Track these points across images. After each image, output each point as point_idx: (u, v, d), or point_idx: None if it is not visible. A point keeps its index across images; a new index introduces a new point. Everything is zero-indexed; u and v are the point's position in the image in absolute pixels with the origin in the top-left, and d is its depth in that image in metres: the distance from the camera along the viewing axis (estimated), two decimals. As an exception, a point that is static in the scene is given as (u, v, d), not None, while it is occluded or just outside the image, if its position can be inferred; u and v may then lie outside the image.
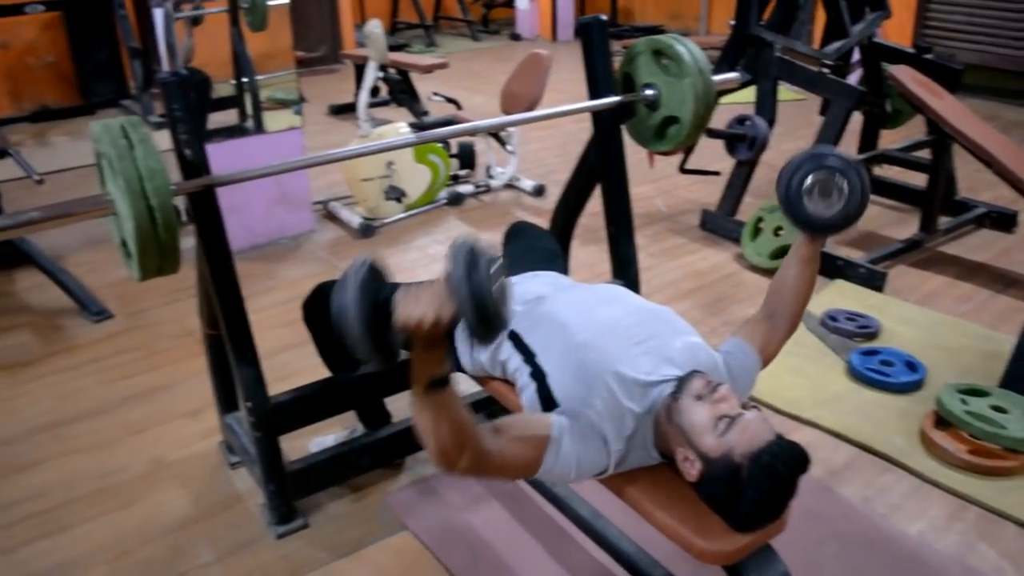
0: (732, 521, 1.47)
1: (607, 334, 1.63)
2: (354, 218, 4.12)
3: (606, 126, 2.42)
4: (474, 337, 1.35)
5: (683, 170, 4.15)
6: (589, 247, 3.66)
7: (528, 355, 1.69)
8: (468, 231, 1.29)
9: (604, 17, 2.41)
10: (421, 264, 3.73)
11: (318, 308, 2.14)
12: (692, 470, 1.49)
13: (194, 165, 1.84)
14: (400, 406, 2.45)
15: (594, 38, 2.38)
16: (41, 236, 3.76)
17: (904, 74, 3.58)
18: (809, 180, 1.70)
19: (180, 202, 1.88)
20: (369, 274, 1.33)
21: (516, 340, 1.72)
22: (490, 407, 2.36)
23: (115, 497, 2.30)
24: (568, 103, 2.40)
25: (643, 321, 1.68)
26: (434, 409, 1.37)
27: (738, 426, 1.44)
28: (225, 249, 1.91)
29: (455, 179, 4.70)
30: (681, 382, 1.53)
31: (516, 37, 10.06)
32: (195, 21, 4.08)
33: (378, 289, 1.33)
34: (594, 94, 2.40)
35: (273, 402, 2.05)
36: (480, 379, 1.92)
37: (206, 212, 1.88)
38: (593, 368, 1.58)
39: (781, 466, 1.40)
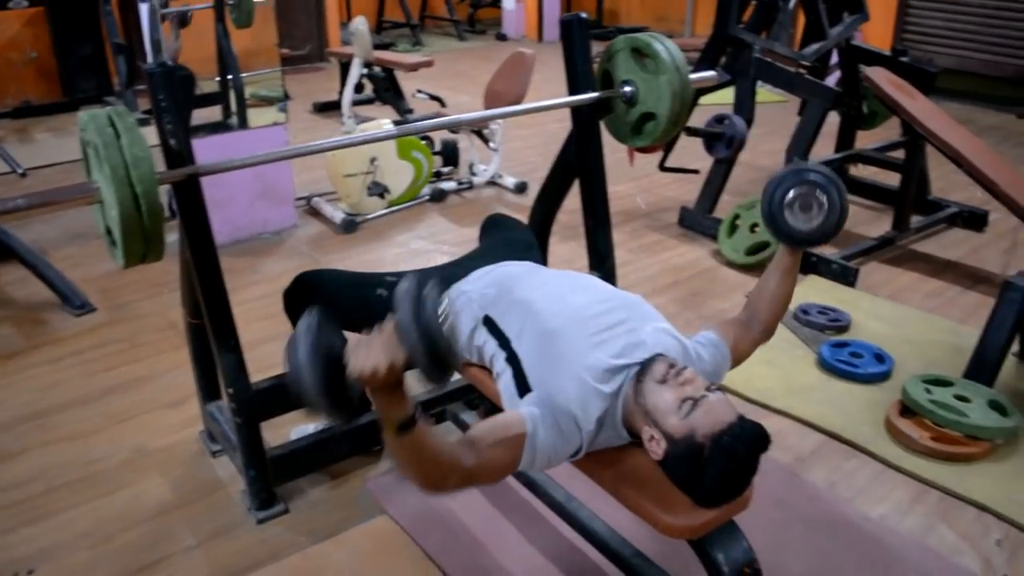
0: (696, 498, 1.52)
1: (578, 320, 1.68)
2: (337, 214, 4.16)
3: (584, 121, 2.48)
4: (428, 379, 1.32)
5: (663, 168, 4.22)
6: (569, 243, 3.72)
7: (503, 340, 1.74)
8: (411, 275, 1.31)
9: (585, 15, 2.46)
10: (403, 260, 3.78)
11: (298, 297, 2.18)
12: (658, 449, 1.54)
13: (179, 155, 1.88)
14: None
15: (574, 35, 2.44)
16: (25, 230, 3.79)
17: (879, 76, 3.66)
18: (790, 194, 1.77)
19: (165, 198, 1.93)
20: (320, 330, 1.30)
21: (491, 325, 1.77)
22: (469, 395, 2.42)
23: (97, 485, 2.33)
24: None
25: (613, 308, 1.73)
26: (409, 449, 1.38)
27: (701, 407, 1.49)
28: (208, 238, 1.94)
29: (438, 176, 4.75)
30: (645, 364, 1.59)
31: (502, 37, 10.12)
32: (183, 22, 4.11)
33: (330, 344, 1.30)
34: (573, 90, 2.46)
35: (254, 389, 2.09)
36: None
37: (190, 201, 1.92)
38: (564, 353, 1.63)
39: (741, 446, 1.45)
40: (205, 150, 3.19)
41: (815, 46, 3.95)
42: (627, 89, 2.40)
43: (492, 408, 2.05)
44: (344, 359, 1.27)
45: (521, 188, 4.64)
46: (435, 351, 1.27)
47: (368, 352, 1.26)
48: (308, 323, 1.30)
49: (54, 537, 2.14)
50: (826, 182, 1.76)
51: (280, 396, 2.22)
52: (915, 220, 4.01)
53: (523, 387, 1.67)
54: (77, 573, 2.02)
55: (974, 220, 4.18)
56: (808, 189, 1.76)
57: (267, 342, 2.94)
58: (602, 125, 2.51)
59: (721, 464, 1.46)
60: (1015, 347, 2.89)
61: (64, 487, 2.32)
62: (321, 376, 1.26)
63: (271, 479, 2.18)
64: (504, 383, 1.72)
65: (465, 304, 1.86)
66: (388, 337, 1.27)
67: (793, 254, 1.85)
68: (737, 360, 1.83)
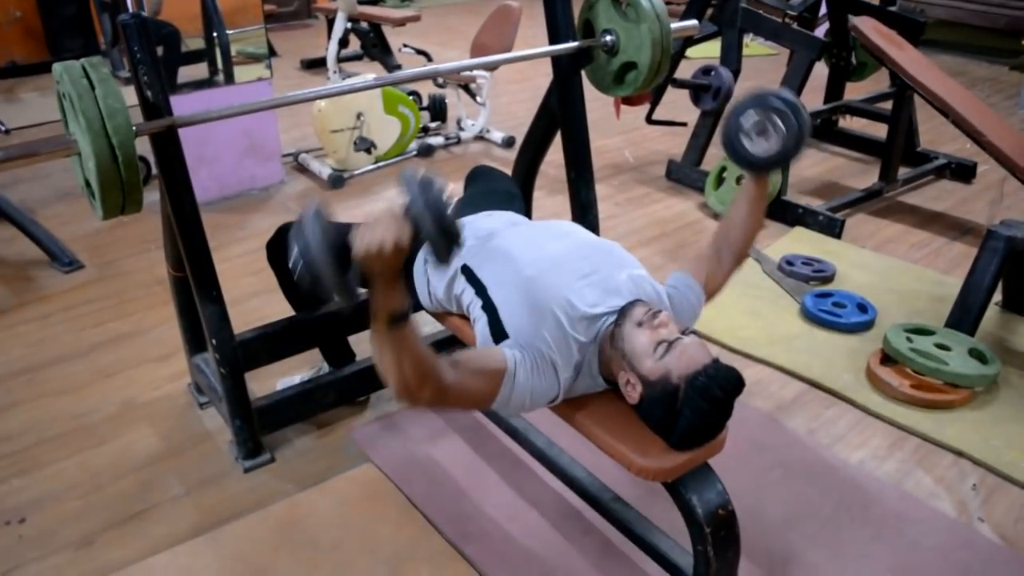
0: (670, 440, 1.55)
1: (555, 267, 1.70)
2: (324, 169, 4.15)
3: (565, 72, 2.47)
4: (435, 255, 1.39)
5: (650, 121, 4.21)
6: (556, 196, 3.72)
7: (480, 288, 1.75)
8: (417, 168, 1.34)
9: (563, -36, 2.44)
10: (391, 215, 3.77)
11: (281, 249, 2.20)
12: (633, 393, 1.56)
13: (156, 107, 1.88)
14: (364, 348, 2.51)
15: (554, -15, 2.42)
16: (12, 190, 3.79)
17: (866, 25, 3.63)
18: (746, 121, 1.77)
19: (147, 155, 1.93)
20: (325, 214, 1.36)
21: (469, 274, 1.79)
22: (451, 347, 2.44)
23: (87, 437, 2.36)
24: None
25: (590, 255, 1.75)
26: (395, 345, 1.40)
27: (676, 350, 1.51)
28: (188, 189, 1.94)
29: (425, 131, 4.73)
30: (623, 310, 1.60)
31: (492, -8, 9.99)
32: None
33: (334, 228, 1.35)
34: (554, 40, 2.44)
35: (238, 339, 2.11)
36: (439, 316, 1.98)
37: (168, 153, 1.91)
38: (541, 300, 1.64)
39: (716, 387, 1.47)
40: (190, 106, 3.18)
41: (804, -4, 3.92)
42: (608, 38, 2.38)
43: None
44: (348, 241, 1.32)
45: (509, 143, 4.62)
46: (442, 223, 1.33)
47: (374, 230, 1.30)
48: (315, 207, 1.36)
49: (45, 487, 2.17)
50: (781, 105, 1.73)
51: (264, 346, 2.25)
52: (903, 172, 4.01)
53: (499, 334, 1.68)
54: (68, 521, 2.05)
55: (962, 172, 4.18)
56: (763, 114, 1.75)
57: (254, 296, 2.96)
58: (585, 76, 2.50)
59: (695, 405, 1.48)
60: (998, 296, 2.92)
61: (54, 439, 2.35)
62: (330, 251, 1.31)
63: (257, 429, 2.21)
64: (479, 329, 1.74)
65: (445, 254, 1.87)
66: (395, 216, 1.33)
67: (758, 182, 1.84)
68: (711, 293, 1.85)
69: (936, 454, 2.28)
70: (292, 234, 1.35)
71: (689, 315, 1.78)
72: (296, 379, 2.44)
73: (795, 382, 2.58)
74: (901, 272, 3.23)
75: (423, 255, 1.93)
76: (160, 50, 3.78)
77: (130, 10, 4.04)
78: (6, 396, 2.54)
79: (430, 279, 1.90)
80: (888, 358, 2.56)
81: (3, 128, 4.40)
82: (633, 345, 1.55)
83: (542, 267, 1.70)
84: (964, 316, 2.68)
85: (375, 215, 1.34)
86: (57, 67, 1.73)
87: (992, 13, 6.50)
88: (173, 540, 1.99)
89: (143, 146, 1.81)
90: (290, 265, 1.35)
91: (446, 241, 1.36)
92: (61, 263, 3.33)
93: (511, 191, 2.33)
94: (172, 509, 2.09)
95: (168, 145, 1.90)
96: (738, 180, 3.70)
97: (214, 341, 2.05)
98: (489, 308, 1.72)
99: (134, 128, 1.72)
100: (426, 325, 2.71)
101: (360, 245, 1.30)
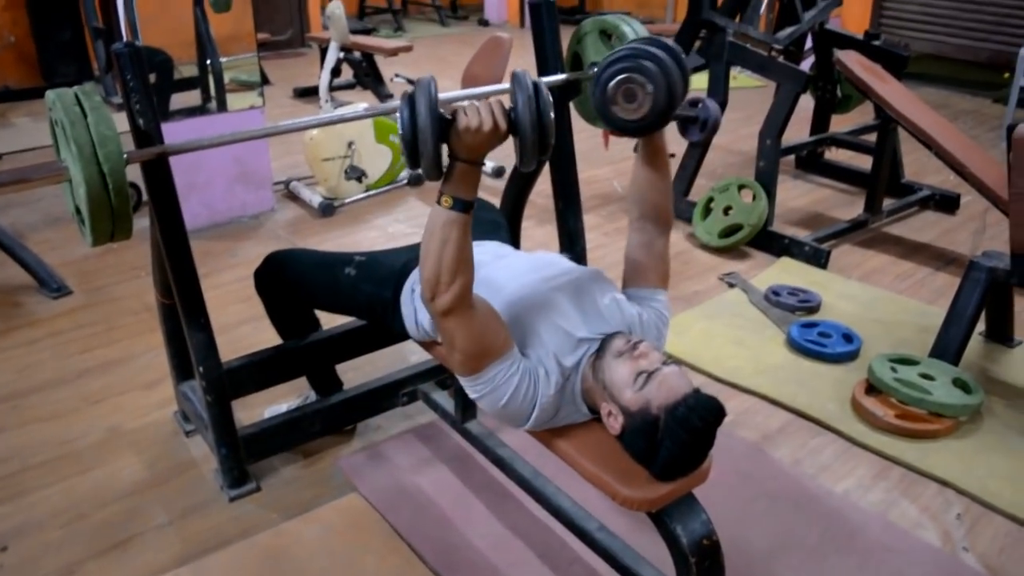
0: (654, 471, 1.55)
1: (539, 295, 1.71)
2: (315, 197, 4.17)
3: (553, 103, 2.49)
4: (523, 155, 1.49)
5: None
6: (545, 226, 3.74)
7: (467, 317, 1.77)
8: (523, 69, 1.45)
9: (553, -1, 2.48)
10: (380, 243, 3.79)
11: (269, 276, 2.21)
12: (615, 424, 1.57)
13: (147, 134, 1.89)
14: (352, 377, 2.52)
15: (543, 18, 2.45)
16: (3, 214, 3.80)
17: (851, 59, 3.69)
18: (610, 88, 1.65)
19: (139, 181, 1.94)
20: (436, 88, 1.44)
21: (456, 302, 1.80)
22: (438, 375, 2.45)
23: (71, 464, 2.35)
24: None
25: (573, 281, 1.77)
26: (450, 228, 1.48)
27: (655, 380, 1.52)
28: (177, 216, 1.95)
29: (417, 160, 4.75)
30: (604, 342, 1.62)
31: (484, 23, 10.11)
32: None
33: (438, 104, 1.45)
34: (542, 71, 2.47)
35: (225, 367, 2.11)
36: (426, 345, 1.99)
37: (159, 180, 1.93)
38: (525, 326, 1.66)
39: (696, 418, 1.47)
40: (182, 133, 3.20)
41: (788, 30, 3.99)
42: (595, 71, 2.41)
43: (463, 388, 2.08)
44: (448, 116, 1.45)
45: (499, 172, 4.65)
46: (543, 125, 1.46)
47: (482, 110, 1.44)
48: (429, 79, 1.45)
49: (28, 515, 2.15)
50: (641, 64, 1.62)
51: (251, 374, 2.26)
52: (888, 203, 4.05)
53: None
54: (50, 549, 2.04)
55: (946, 203, 4.23)
56: (626, 77, 1.63)
57: (243, 324, 2.96)
58: (573, 108, 2.53)
59: (676, 436, 1.48)
60: (982, 326, 2.95)
61: (38, 466, 2.34)
62: (435, 121, 1.42)
63: (243, 457, 2.21)
64: None
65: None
66: (499, 106, 1.46)
67: (650, 140, 1.77)
68: (665, 276, 1.84)
69: (920, 484, 2.29)
70: (403, 101, 1.45)
71: (663, 329, 1.79)
72: (283, 408, 2.44)
73: (781, 412, 2.59)
74: (886, 302, 3.26)
75: (410, 284, 1.94)
76: (153, 77, 3.82)
77: (124, 38, 4.07)
78: (-9, 422, 2.54)
79: (416, 307, 1.91)
80: (873, 388, 2.58)
81: (-5, 153, 4.41)
82: (613, 376, 1.56)
83: (527, 294, 1.72)
84: (948, 346, 2.71)
85: (478, 102, 1.45)
86: (50, 94, 1.74)
87: (975, 47, 6.62)
88: (156, 569, 1.97)
89: (134, 172, 1.82)
90: (399, 133, 1.45)
91: (539, 143, 1.47)
92: (50, 288, 3.33)
93: (496, 220, 2.35)
94: (156, 538, 2.08)
95: (158, 172, 1.92)
96: (726, 211, 3.73)
97: (201, 369, 2.05)
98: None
99: (125, 156, 1.73)
100: (413, 354, 2.73)
101: (463, 118, 1.43)
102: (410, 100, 1.44)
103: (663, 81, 1.62)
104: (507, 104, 1.50)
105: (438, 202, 1.50)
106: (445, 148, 1.49)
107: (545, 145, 1.49)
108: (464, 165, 1.48)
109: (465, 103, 1.46)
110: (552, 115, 1.47)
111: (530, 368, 1.61)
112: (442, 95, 1.48)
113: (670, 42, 1.70)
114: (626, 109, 1.66)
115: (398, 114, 1.46)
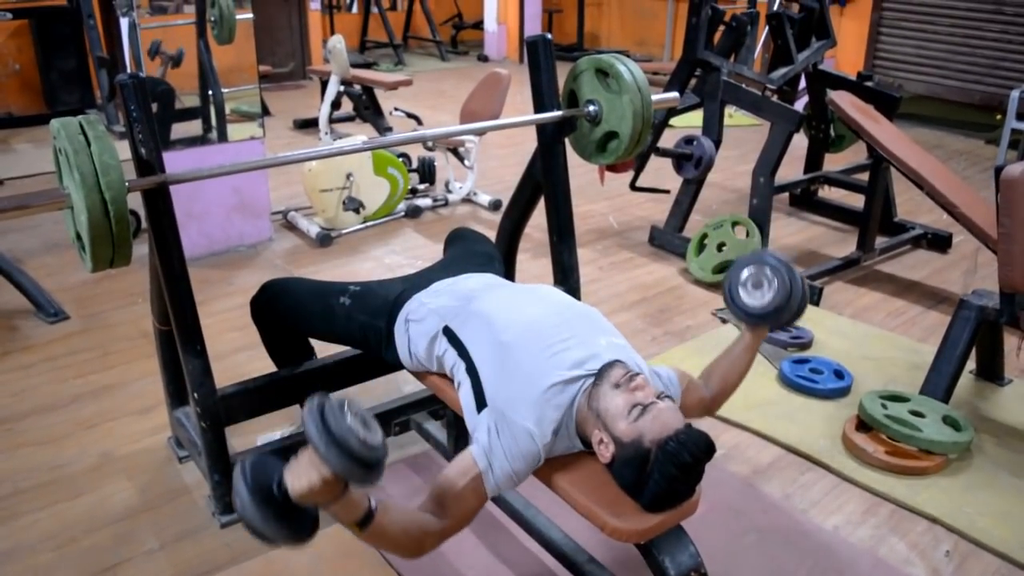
0: (642, 502, 1.56)
1: (532, 331, 1.73)
2: (312, 228, 4.20)
3: (549, 139, 2.54)
4: (360, 483, 1.34)
5: (634, 188, 4.30)
6: (540, 259, 3.78)
7: (463, 351, 1.79)
8: (313, 397, 1.36)
9: (549, 36, 2.53)
10: (376, 273, 3.82)
11: (265, 305, 2.23)
12: (606, 452, 1.59)
13: (148, 164, 1.93)
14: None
15: (540, 55, 2.50)
16: (1, 239, 3.82)
17: (843, 99, 3.75)
18: (744, 274, 1.89)
19: (138, 208, 1.97)
20: (253, 470, 1.34)
21: (451, 335, 1.82)
22: (431, 405, 2.46)
23: (63, 489, 2.35)
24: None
25: (568, 319, 1.78)
26: (376, 538, 1.48)
27: (649, 414, 1.54)
28: (176, 244, 1.98)
29: (414, 192, 4.81)
30: (601, 370, 1.64)
31: (484, 58, 10.24)
32: (175, 62, 4.10)
33: (268, 477, 1.34)
34: (539, 108, 2.52)
35: (220, 394, 2.12)
36: (419, 375, 2.01)
37: (159, 209, 1.95)
38: (519, 366, 1.67)
39: (686, 453, 1.49)
40: (183, 162, 3.24)
41: (782, 70, 4.06)
42: (591, 108, 2.46)
43: (455, 417, 2.09)
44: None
45: (496, 206, 4.70)
46: (351, 454, 1.28)
47: (298, 474, 1.31)
48: (241, 468, 1.34)
49: (19, 538, 2.16)
50: (776, 263, 1.86)
51: (245, 401, 2.27)
52: (880, 241, 4.09)
53: (481, 399, 1.71)
54: (40, 573, 2.04)
55: (938, 242, 4.28)
56: (759, 269, 1.88)
57: (238, 352, 2.98)
58: (569, 144, 2.57)
59: (666, 469, 1.50)
60: (972, 364, 2.97)
61: (30, 490, 2.34)
62: (269, 512, 1.31)
63: (235, 484, 2.21)
64: (464, 393, 1.76)
65: (426, 314, 1.91)
66: (311, 455, 1.30)
67: (752, 332, 1.93)
68: (686, 408, 1.84)
69: (910, 520, 2.30)
70: (234, 494, 1.34)
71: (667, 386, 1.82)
72: (276, 435, 2.45)
73: (771, 447, 2.61)
74: (877, 340, 3.29)
75: (404, 314, 1.96)
76: (154, 107, 3.86)
77: (128, 69, 4.12)
78: (-16, 446, 2.54)
79: (411, 337, 1.93)
80: (863, 424, 2.60)
81: (-4, 179, 4.44)
82: (608, 406, 1.58)
83: (519, 331, 1.73)
84: (938, 384, 2.73)
85: (295, 461, 1.33)
86: (55, 123, 1.78)
87: (968, 89, 6.71)
88: (146, 595, 1.98)
89: (133, 200, 1.85)
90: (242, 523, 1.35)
91: (363, 469, 1.31)
92: (47, 313, 3.35)
93: (490, 253, 2.38)
94: (146, 564, 2.08)
95: (159, 201, 1.95)
96: (719, 247, 3.77)
97: (196, 395, 2.07)
98: (472, 372, 1.75)
99: (127, 184, 1.76)
100: (406, 384, 2.74)
101: (293, 493, 1.31)
102: (236, 497, 1.33)
103: (787, 284, 1.85)
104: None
105: (359, 532, 1.44)
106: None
107: (369, 466, 1.32)
108: (332, 508, 1.37)
109: (287, 467, 1.34)
110: (352, 431, 1.30)
111: (518, 427, 1.61)
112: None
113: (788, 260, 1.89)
114: (750, 295, 1.89)
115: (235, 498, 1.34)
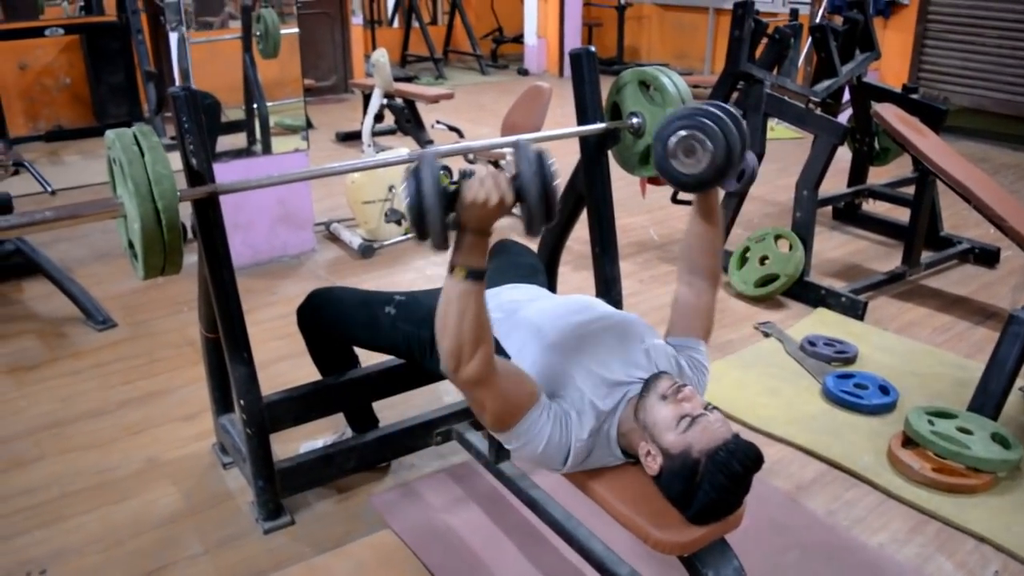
0: (688, 514, 1.56)
1: (577, 338, 1.74)
2: (355, 239, 4.24)
3: (592, 151, 2.55)
4: (529, 224, 1.50)
5: (675, 200, 4.27)
6: (581, 271, 3.78)
7: (505, 358, 1.79)
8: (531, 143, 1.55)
9: (593, 48, 2.54)
10: (417, 284, 3.85)
11: (311, 314, 2.26)
12: (653, 464, 1.58)
13: (199, 174, 1.97)
14: (387, 415, 2.55)
15: (583, 67, 2.51)
16: (51, 249, 3.90)
17: (888, 112, 3.70)
18: (672, 143, 1.76)
19: (187, 219, 2.02)
20: (433, 168, 1.47)
21: (495, 345, 1.83)
22: (466, 418, 2.47)
23: (110, 493, 2.40)
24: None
25: (611, 326, 1.79)
26: (466, 299, 1.49)
27: (699, 425, 1.54)
28: (225, 254, 2.02)
29: (455, 204, 4.82)
30: (648, 382, 1.64)
31: (524, 72, 10.27)
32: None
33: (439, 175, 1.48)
34: (582, 120, 2.52)
35: (265, 401, 2.15)
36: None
37: (209, 218, 1.99)
38: (563, 369, 1.69)
39: (736, 463, 1.49)
40: (229, 174, 3.29)
41: (826, 83, 4.02)
42: (634, 120, 2.46)
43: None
44: (453, 188, 1.47)
45: (536, 218, 4.70)
46: (546, 194, 1.47)
47: (485, 184, 1.43)
48: (431, 154, 1.51)
49: (66, 540, 2.20)
50: (701, 124, 1.72)
51: (290, 408, 2.30)
52: (926, 255, 4.03)
53: None
54: (87, 574, 2.08)
55: (986, 256, 4.20)
56: (688, 133, 1.73)
57: (282, 360, 3.01)
58: (612, 156, 2.58)
59: (715, 480, 1.50)
60: (1021, 381, 2.91)
61: (78, 493, 2.39)
62: (439, 194, 1.45)
63: (279, 491, 2.23)
64: None
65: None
66: (503, 179, 1.45)
67: (705, 198, 1.86)
68: (709, 330, 1.88)
69: (957, 539, 2.26)
70: (406, 176, 1.48)
71: (704, 377, 1.82)
72: (319, 443, 2.47)
73: (815, 462, 2.57)
74: (923, 355, 3.23)
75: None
76: (202, 120, 3.93)
77: (177, 82, 4.21)
78: (34, 448, 2.59)
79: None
80: (909, 441, 2.55)
81: (49, 189, 4.55)
82: (656, 417, 1.58)
83: (565, 336, 1.75)
84: (986, 400, 2.68)
85: (482, 175, 1.45)
86: (110, 134, 1.82)
87: (1015, 101, 6.59)
88: (190, 599, 2.00)
89: (181, 210, 1.89)
90: (404, 204, 1.48)
91: (544, 212, 1.48)
92: (95, 321, 3.42)
93: (535, 264, 2.39)
94: (190, 568, 2.11)
95: (209, 211, 1.98)
96: (762, 260, 3.74)
97: (242, 402, 2.10)
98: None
99: (179, 193, 1.80)
100: (447, 394, 2.75)
101: (468, 194, 1.43)
102: (415, 175, 1.47)
103: (723, 140, 1.72)
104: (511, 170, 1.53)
105: (450, 272, 1.51)
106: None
107: (551, 214, 1.50)
108: (473, 236, 1.48)
109: (473, 173, 1.47)
110: (556, 183, 1.49)
111: (560, 414, 1.63)
112: (458, 145, 1.54)
113: (731, 107, 1.79)
114: (685, 163, 1.75)
115: (403, 188, 1.49)
